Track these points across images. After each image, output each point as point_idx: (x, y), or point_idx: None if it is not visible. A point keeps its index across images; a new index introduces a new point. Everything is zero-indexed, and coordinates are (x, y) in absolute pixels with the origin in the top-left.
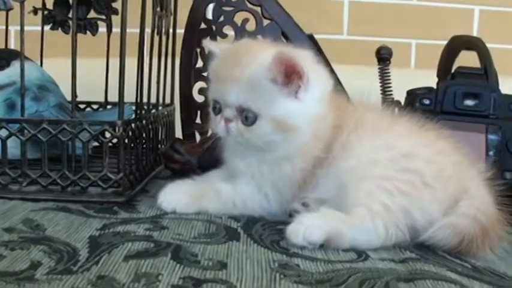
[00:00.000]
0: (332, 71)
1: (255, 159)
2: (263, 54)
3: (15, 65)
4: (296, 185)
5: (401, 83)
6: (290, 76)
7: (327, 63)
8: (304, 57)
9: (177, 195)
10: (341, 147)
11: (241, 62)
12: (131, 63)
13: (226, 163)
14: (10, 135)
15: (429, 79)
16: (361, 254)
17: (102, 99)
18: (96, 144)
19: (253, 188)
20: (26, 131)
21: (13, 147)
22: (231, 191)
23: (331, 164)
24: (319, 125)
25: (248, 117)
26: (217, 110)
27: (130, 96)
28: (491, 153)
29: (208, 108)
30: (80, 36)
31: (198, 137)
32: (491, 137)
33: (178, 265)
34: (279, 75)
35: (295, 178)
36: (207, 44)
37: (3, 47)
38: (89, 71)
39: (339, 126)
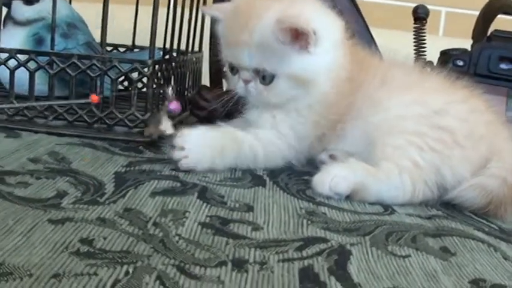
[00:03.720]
0: (367, 28)
1: (278, 111)
2: (267, 14)
3: (45, 1)
4: (317, 133)
5: (429, 49)
6: (296, 36)
7: (361, 16)
8: (307, 12)
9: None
10: (368, 100)
11: (247, 25)
12: (161, 12)
13: (246, 114)
14: (39, 67)
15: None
16: (388, 208)
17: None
18: (120, 87)
19: (275, 135)
20: (54, 65)
21: (40, 84)
22: (252, 139)
23: (358, 117)
24: (337, 74)
25: (265, 77)
26: (235, 71)
27: (158, 43)
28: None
29: (224, 68)
30: None
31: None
32: None
33: (205, 204)
34: (285, 38)
35: (316, 124)
36: (206, 10)
37: None
38: (118, 17)
39: (358, 78)
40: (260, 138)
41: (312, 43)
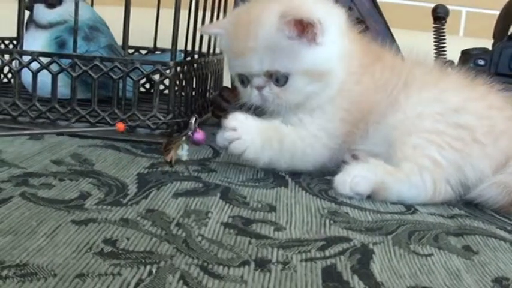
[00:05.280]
0: (387, 28)
1: (302, 113)
2: (268, 14)
3: (67, 4)
4: (345, 130)
5: (450, 49)
6: (303, 28)
7: (381, 16)
8: (308, 3)
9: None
10: (390, 104)
11: (250, 30)
12: (182, 14)
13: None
14: (61, 70)
15: None
16: (410, 208)
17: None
18: (142, 90)
19: (307, 136)
20: (77, 67)
21: (62, 86)
22: (296, 135)
23: (380, 119)
24: (349, 61)
25: (279, 79)
26: (246, 82)
27: (180, 45)
28: None
29: (235, 82)
30: None
31: None
32: None
33: (227, 205)
34: (292, 32)
35: (343, 122)
36: (206, 30)
37: None
38: (137, 21)
39: (369, 63)
40: (303, 136)
41: (319, 33)
